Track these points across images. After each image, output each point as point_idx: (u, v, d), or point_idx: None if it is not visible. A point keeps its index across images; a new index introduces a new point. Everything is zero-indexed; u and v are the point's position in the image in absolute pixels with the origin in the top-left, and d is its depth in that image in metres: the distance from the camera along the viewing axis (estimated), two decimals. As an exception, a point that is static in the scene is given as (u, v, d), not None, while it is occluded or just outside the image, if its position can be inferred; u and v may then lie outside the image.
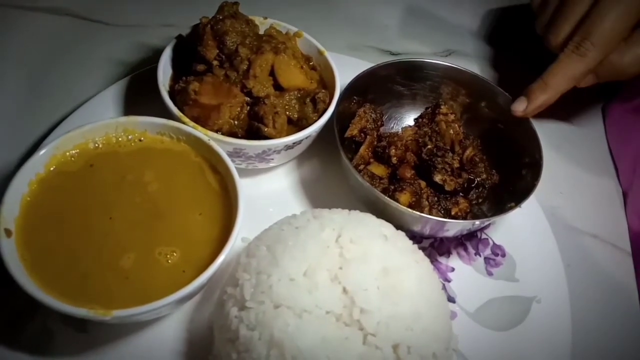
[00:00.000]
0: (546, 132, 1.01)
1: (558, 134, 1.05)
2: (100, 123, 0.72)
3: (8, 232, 0.60)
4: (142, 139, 0.74)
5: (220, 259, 0.62)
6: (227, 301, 0.62)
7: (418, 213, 0.73)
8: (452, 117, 0.90)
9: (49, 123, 0.88)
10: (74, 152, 0.70)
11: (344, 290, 0.59)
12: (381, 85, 0.92)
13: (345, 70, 0.87)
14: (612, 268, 0.89)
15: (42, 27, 1.05)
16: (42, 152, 0.67)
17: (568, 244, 0.88)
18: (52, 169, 0.68)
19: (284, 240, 0.64)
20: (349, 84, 0.85)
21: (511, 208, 0.76)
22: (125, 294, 0.60)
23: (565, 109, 1.12)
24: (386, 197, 0.74)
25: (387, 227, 0.69)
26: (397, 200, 0.76)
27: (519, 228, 0.86)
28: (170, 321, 0.71)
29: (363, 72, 0.87)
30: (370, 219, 0.70)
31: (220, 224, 0.68)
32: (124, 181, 0.70)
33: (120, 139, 0.73)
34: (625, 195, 0.97)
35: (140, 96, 0.87)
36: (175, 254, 0.64)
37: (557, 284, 0.80)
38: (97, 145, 0.72)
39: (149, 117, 0.73)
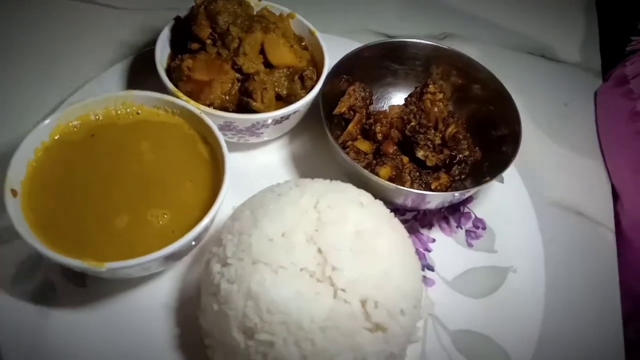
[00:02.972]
0: (535, 111, 1.04)
1: (547, 113, 1.07)
2: (101, 97, 0.77)
3: (14, 192, 0.66)
4: (139, 112, 0.79)
5: (206, 220, 0.67)
6: (212, 259, 0.67)
7: (395, 185, 0.77)
8: (440, 96, 0.93)
9: (57, 101, 0.94)
10: (76, 122, 0.76)
11: (319, 250, 0.64)
12: (371, 65, 0.95)
13: (339, 51, 0.90)
14: (595, 244, 0.91)
15: (53, 12, 1.11)
16: (46, 121, 0.73)
17: (553, 220, 0.91)
18: (56, 137, 0.74)
19: (265, 205, 0.69)
20: (337, 62, 0.88)
21: (487, 180, 0.79)
22: (119, 250, 0.65)
23: (557, 88, 1.14)
24: (367, 171, 0.78)
25: (365, 196, 0.73)
26: (377, 174, 0.80)
27: (501, 203, 0.89)
28: (163, 280, 0.76)
29: (351, 51, 0.90)
30: (349, 188, 0.74)
31: (209, 190, 0.73)
32: (121, 150, 0.75)
33: (119, 111, 0.78)
34: (610, 175, 0.99)
35: (141, 74, 0.93)
36: (166, 216, 0.70)
37: (533, 255, 0.83)
38: (97, 117, 0.77)
39: (145, 91, 0.78)
